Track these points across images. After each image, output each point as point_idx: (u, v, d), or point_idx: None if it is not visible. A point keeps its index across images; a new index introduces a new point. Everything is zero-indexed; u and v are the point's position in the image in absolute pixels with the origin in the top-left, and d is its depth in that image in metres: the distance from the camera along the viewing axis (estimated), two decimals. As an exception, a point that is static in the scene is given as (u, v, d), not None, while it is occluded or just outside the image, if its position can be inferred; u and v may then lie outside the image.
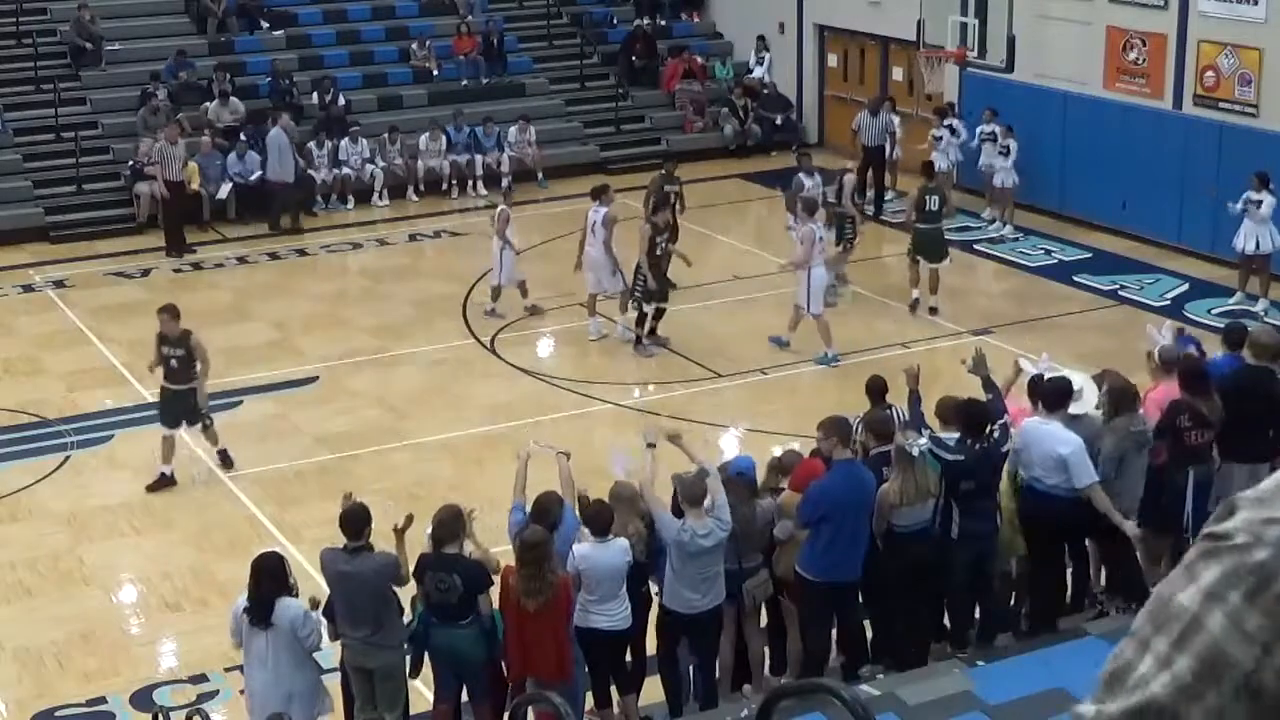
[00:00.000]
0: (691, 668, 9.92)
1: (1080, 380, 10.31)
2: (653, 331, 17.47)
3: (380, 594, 8.96)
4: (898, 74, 25.48)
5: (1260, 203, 17.88)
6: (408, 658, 9.28)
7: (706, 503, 9.14)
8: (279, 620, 8.75)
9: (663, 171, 19.66)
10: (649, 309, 17.34)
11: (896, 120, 22.97)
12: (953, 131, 22.36)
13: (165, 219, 21.65)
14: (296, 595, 9.02)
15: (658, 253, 17.10)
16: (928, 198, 18.28)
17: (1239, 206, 18.08)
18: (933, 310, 18.44)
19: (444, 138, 24.26)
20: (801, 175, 19.15)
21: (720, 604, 9.48)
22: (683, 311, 18.90)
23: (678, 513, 9.29)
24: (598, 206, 17.70)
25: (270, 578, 8.85)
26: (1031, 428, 9.77)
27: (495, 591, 9.14)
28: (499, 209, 18.76)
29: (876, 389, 11.56)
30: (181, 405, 14.10)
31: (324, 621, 9.20)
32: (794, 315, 17.12)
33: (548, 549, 8.85)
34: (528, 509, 9.33)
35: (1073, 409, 9.98)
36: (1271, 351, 10.55)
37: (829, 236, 17.66)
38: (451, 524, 9.06)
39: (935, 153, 22.48)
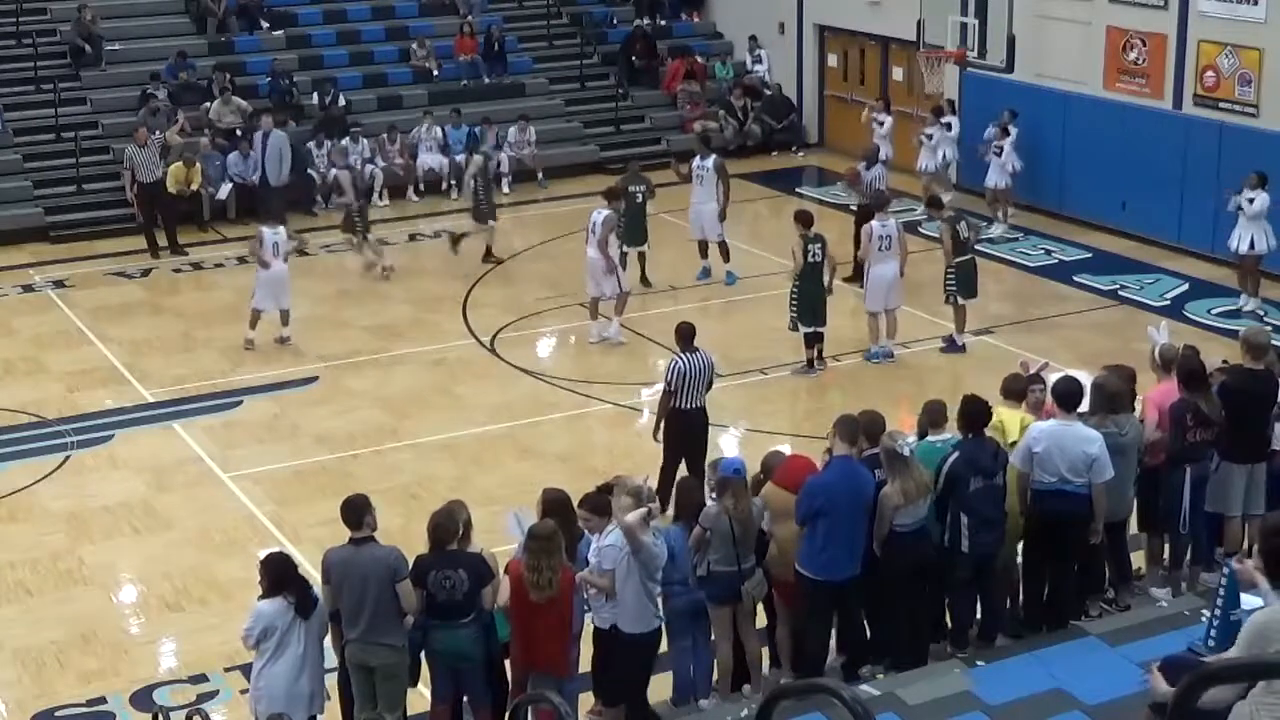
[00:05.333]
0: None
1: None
2: (820, 355, 16.60)
3: (383, 588, 8.93)
4: (898, 74, 25.45)
5: (1253, 200, 17.85)
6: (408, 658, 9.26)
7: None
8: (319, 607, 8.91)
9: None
10: (806, 329, 16.49)
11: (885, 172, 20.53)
12: (948, 128, 22.28)
13: (144, 222, 21.65)
14: None
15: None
16: (957, 228, 16.98)
17: (1237, 199, 17.97)
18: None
19: (438, 130, 24.28)
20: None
21: None
22: (682, 312, 18.90)
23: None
24: (600, 208, 17.53)
25: (291, 571, 8.95)
26: (1056, 431, 9.70)
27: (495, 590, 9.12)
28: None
29: (685, 333, 12.87)
30: None
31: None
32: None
33: (558, 541, 8.85)
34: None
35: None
36: (1275, 353, 10.57)
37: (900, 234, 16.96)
38: (448, 522, 9.05)
39: (923, 150, 22.38)
